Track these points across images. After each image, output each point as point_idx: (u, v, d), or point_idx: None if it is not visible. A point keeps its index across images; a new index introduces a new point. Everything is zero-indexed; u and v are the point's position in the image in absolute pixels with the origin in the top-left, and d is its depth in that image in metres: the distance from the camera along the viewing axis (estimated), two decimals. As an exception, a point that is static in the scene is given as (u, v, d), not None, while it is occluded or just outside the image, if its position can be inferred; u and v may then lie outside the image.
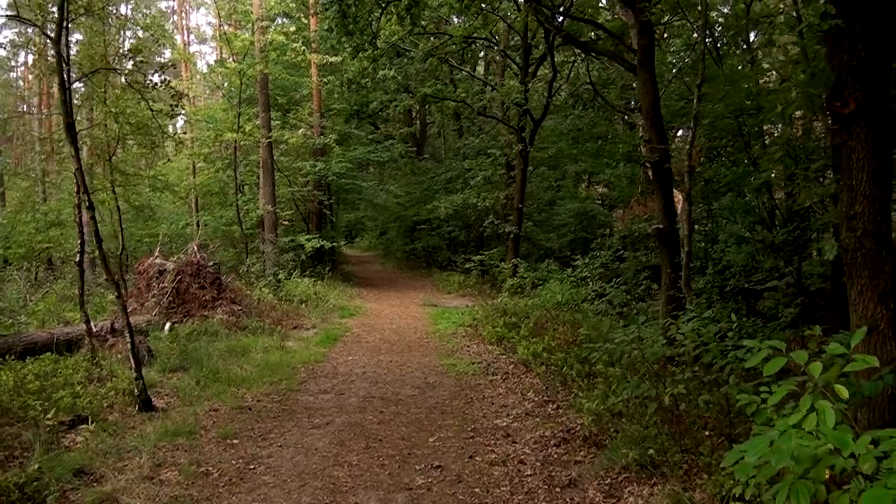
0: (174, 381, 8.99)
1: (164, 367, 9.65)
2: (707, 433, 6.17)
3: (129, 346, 7.68)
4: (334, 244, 22.64)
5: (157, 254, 14.23)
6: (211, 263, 13.75)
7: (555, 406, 7.83)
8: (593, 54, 21.04)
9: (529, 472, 5.81)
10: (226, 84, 24.45)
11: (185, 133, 26.69)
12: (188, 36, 45.57)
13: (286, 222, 23.56)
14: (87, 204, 7.73)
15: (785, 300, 12.92)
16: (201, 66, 40.13)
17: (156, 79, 8.61)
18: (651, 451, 5.30)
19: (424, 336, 13.62)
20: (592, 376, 8.48)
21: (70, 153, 7.77)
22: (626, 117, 27.58)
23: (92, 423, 6.84)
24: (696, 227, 14.92)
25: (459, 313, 16.01)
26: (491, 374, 9.77)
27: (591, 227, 26.66)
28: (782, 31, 12.54)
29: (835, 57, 4.79)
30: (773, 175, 11.65)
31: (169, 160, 19.16)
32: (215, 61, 28.48)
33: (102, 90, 12.43)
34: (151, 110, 8.99)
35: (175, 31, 36.18)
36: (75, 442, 6.51)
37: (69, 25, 9.16)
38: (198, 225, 26.46)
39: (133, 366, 7.57)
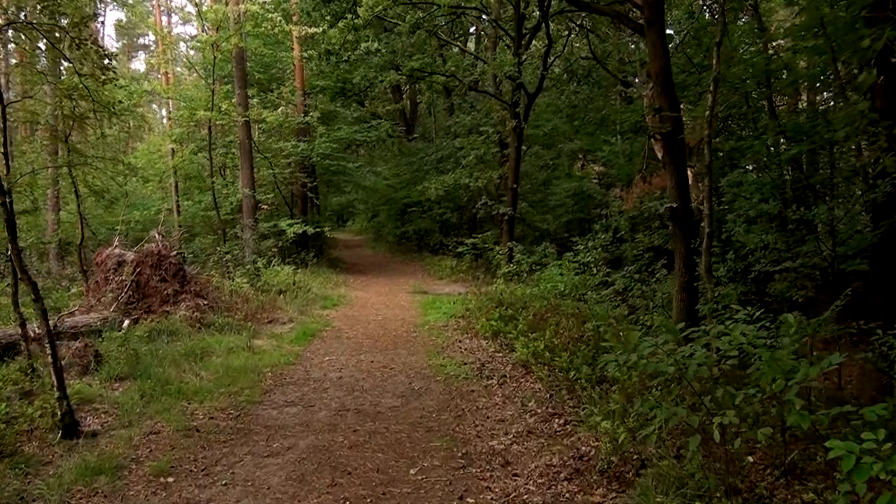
0: (116, 395, 7.69)
1: (110, 374, 8.39)
2: (752, 460, 4.97)
3: (49, 358, 6.37)
4: (319, 229, 21.28)
5: (116, 243, 12.90)
6: (174, 253, 12.41)
7: (562, 421, 6.55)
8: (595, 15, 19.85)
9: (536, 523, 4.56)
10: (200, 59, 22.94)
11: (162, 115, 25.40)
12: (170, 17, 44.11)
13: (266, 206, 22.21)
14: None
15: (800, 282, 11.70)
16: (185, 49, 38.54)
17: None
18: (698, 504, 4.04)
19: (412, 329, 12.37)
20: (604, 382, 7.25)
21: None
22: (624, 91, 26.44)
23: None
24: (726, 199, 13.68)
25: (451, 302, 14.76)
26: (485, 378, 8.46)
27: (587, 207, 25.54)
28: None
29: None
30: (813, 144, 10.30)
31: (115, 137, 17.56)
32: (191, 37, 26.95)
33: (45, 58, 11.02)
34: (79, 73, 7.63)
35: (152, 8, 34.67)
36: (-27, 487, 5.25)
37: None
38: (178, 209, 25.17)
39: (55, 382, 6.28)
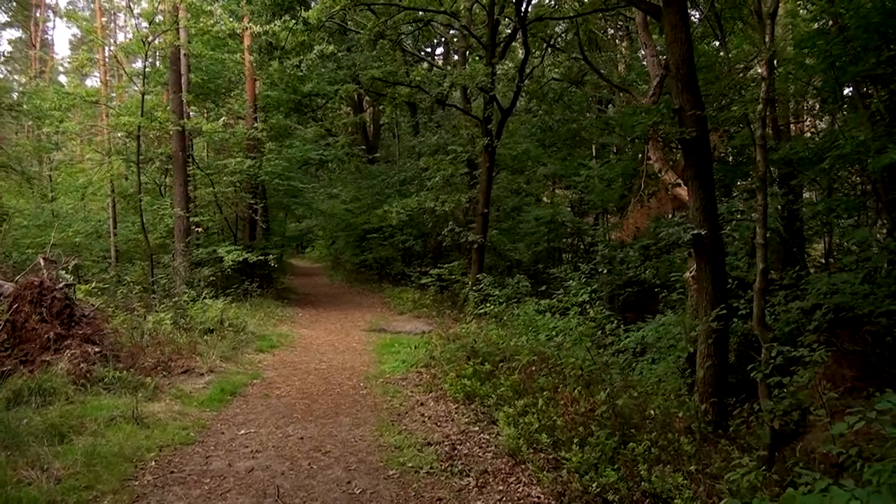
0: None
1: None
2: None
3: None
4: (264, 256, 18.61)
5: (-7, 271, 10.28)
6: (60, 285, 9.76)
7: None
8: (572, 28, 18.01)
9: None
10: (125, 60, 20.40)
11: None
12: (118, 26, 41.67)
13: (200, 229, 19.57)
14: None
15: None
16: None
17: None
18: None
19: (362, 384, 9.88)
20: (635, 490, 4.89)
21: None
22: (602, 111, 24.73)
23: None
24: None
25: (413, 345, 12.31)
26: (458, 474, 5.91)
27: (559, 236, 23.56)
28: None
29: None
30: None
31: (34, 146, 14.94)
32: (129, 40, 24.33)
33: None
34: None
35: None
36: None
37: None
38: (114, 231, 22.54)
39: None
